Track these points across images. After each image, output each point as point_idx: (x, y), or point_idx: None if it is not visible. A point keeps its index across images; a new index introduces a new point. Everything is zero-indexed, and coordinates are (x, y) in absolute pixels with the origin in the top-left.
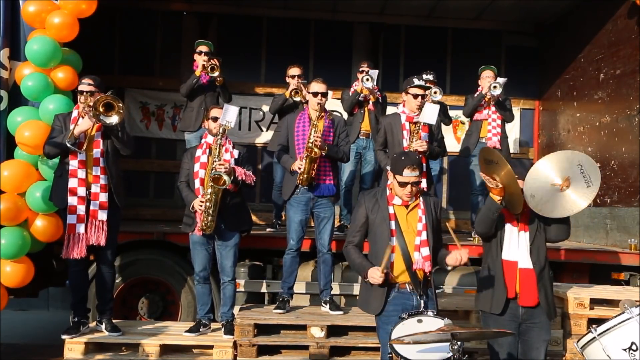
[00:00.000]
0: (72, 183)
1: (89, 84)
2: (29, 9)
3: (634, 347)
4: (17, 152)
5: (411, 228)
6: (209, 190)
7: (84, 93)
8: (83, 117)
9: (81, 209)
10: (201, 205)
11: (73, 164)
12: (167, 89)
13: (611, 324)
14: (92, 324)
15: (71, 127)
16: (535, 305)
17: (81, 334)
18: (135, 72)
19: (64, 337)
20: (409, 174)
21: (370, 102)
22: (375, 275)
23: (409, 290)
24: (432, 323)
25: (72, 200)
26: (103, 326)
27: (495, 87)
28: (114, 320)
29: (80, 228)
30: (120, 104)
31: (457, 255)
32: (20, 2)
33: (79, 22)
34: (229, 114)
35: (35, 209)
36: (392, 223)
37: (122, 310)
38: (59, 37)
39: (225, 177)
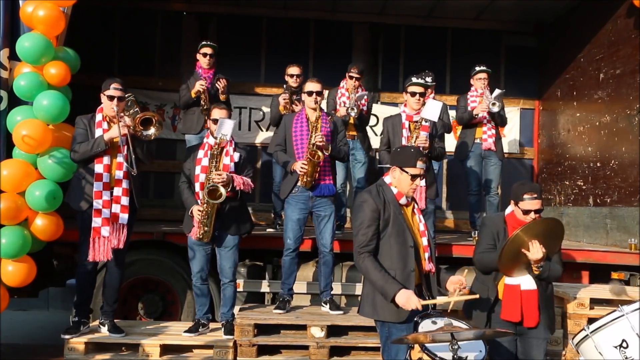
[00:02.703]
0: (97, 186)
1: (118, 89)
2: (27, 9)
3: (624, 345)
4: (16, 151)
5: (416, 228)
6: (205, 199)
7: (114, 98)
8: (111, 123)
9: (106, 213)
10: (198, 214)
11: (99, 168)
12: (167, 89)
13: (603, 321)
14: (94, 323)
15: (96, 132)
16: (536, 325)
17: (81, 334)
18: (135, 72)
19: (63, 337)
20: (421, 166)
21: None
22: (413, 301)
23: (417, 292)
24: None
25: (97, 203)
26: (105, 327)
27: (494, 104)
28: (115, 321)
29: (105, 231)
30: (159, 120)
31: (457, 282)
32: (20, 2)
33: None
34: (224, 127)
35: (35, 208)
36: (404, 223)
37: (122, 310)
38: (46, 30)
39: (222, 190)
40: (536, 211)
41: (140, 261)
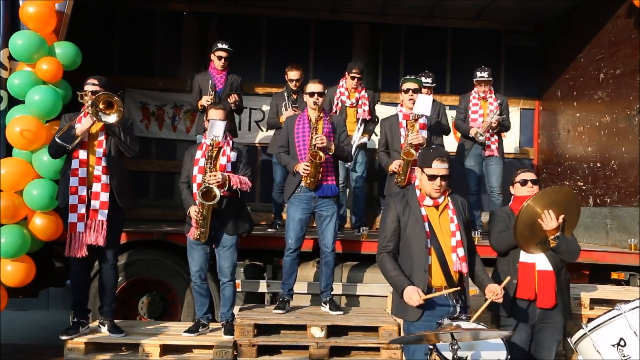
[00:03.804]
0: (73, 182)
1: (94, 84)
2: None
3: (622, 343)
4: (15, 150)
5: (445, 229)
6: (199, 201)
7: (89, 93)
8: (86, 117)
9: (81, 208)
10: (195, 215)
11: (75, 163)
12: (167, 89)
13: (601, 320)
14: (94, 324)
15: (76, 126)
16: (552, 307)
17: (80, 334)
18: (135, 72)
19: (63, 337)
20: (438, 166)
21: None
22: (415, 298)
23: (445, 295)
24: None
25: (73, 199)
26: (105, 327)
27: (480, 135)
28: (115, 321)
29: (81, 227)
30: (120, 104)
31: (493, 291)
32: (20, 2)
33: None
34: (215, 128)
35: (33, 207)
36: (426, 225)
37: (122, 310)
38: (37, 27)
39: (216, 191)
40: (533, 181)
41: (140, 261)
